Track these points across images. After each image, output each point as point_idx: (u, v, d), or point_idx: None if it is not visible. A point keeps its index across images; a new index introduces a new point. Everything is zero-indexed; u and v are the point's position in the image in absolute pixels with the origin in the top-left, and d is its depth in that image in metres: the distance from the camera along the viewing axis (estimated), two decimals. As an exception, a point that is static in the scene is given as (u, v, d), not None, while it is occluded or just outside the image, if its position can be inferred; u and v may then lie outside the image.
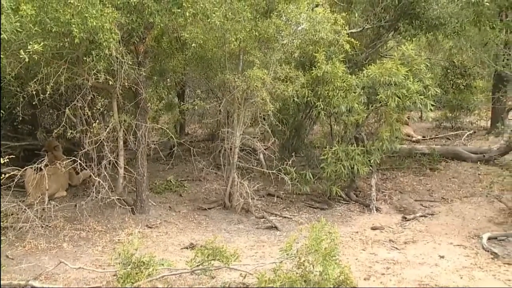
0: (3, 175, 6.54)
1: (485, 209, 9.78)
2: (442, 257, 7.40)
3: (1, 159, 6.24)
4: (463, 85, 18.11)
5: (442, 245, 7.95)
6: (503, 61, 13.16)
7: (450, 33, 12.31)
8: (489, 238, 7.98)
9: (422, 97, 9.70)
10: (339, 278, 6.00)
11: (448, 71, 18.13)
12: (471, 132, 17.70)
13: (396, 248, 7.94)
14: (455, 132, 17.92)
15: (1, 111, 6.96)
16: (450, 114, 19.15)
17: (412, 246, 7.98)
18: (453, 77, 18.03)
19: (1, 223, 7.48)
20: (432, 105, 10.16)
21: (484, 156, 13.31)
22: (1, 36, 5.94)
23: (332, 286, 5.84)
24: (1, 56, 5.96)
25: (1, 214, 7.71)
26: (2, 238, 7.19)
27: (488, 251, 7.55)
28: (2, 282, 5.96)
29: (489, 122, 17.83)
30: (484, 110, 18.98)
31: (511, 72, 13.01)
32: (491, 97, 16.89)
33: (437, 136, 17.62)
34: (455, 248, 7.81)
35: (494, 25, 13.32)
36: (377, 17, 11.94)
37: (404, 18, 11.84)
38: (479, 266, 7.00)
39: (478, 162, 13.14)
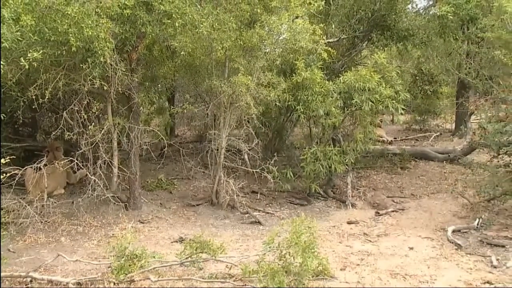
0: (5, 174, 6.46)
1: (450, 204, 9.86)
2: (412, 248, 7.44)
3: (3, 159, 6.16)
4: (430, 91, 18.24)
5: (412, 237, 7.99)
6: (466, 69, 13.38)
7: (418, 43, 12.46)
8: (453, 231, 8.04)
9: (393, 101, 9.79)
10: (317, 269, 6.07)
11: (417, 78, 18.27)
12: (437, 134, 17.90)
13: (370, 240, 7.97)
14: (423, 134, 18.08)
15: (3, 114, 6.88)
16: (419, 118, 19.30)
17: (384, 239, 8.02)
18: (421, 84, 18.16)
19: (3, 219, 7.42)
20: (403, 109, 10.26)
21: (449, 156, 13.44)
22: (3, 44, 5.90)
23: (311, 276, 5.88)
24: (3, 63, 5.90)
25: (3, 210, 7.67)
26: (4, 233, 7.11)
27: (452, 242, 7.62)
28: (3, 273, 5.94)
29: (453, 125, 17.99)
30: (449, 114, 19.13)
31: (472, 79, 13.19)
32: (455, 102, 17.04)
33: (407, 138, 17.74)
34: (423, 240, 7.85)
35: (457, 37, 13.50)
36: (352, 28, 12.00)
37: (377, 30, 11.94)
38: (444, 257, 7.06)
39: (444, 161, 13.30)
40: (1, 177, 6.27)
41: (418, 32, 11.86)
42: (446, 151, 13.88)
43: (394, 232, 8.34)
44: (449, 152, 13.67)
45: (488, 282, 6.06)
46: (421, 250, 7.36)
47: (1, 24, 5.90)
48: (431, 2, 13.04)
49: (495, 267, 6.57)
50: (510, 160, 8.78)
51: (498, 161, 9.08)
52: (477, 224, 8.28)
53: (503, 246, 7.31)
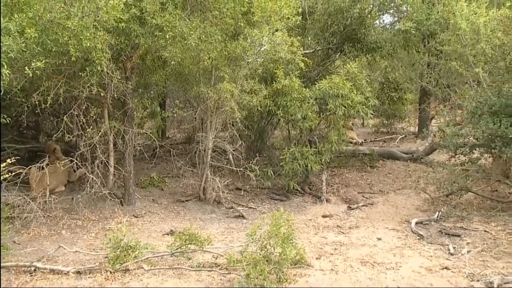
0: (10, 172, 6.40)
1: (414, 199, 9.95)
2: (380, 239, 7.48)
3: (8, 159, 6.14)
4: (396, 98, 18.34)
5: (380, 229, 8.03)
6: (427, 78, 13.50)
7: (385, 54, 12.60)
8: (416, 223, 8.11)
9: (363, 107, 9.84)
10: (295, 258, 6.07)
11: (384, 85, 18.36)
12: (402, 136, 18.04)
13: (343, 232, 7.99)
14: (390, 136, 18.22)
15: (8, 118, 6.85)
16: (386, 121, 19.50)
17: (355, 231, 8.04)
18: (388, 91, 18.26)
19: (9, 214, 7.40)
20: (372, 113, 10.32)
21: (413, 156, 13.53)
22: (9, 55, 5.87)
23: (290, 265, 5.88)
24: (9, 72, 5.85)
25: (9, 205, 7.66)
26: (9, 226, 7.08)
27: (415, 233, 7.69)
28: (9, 263, 5.99)
29: (416, 128, 18.15)
30: (412, 118, 19.32)
31: (432, 87, 13.34)
32: (418, 108, 17.21)
33: (375, 139, 17.86)
34: (390, 231, 7.90)
35: (419, 49, 13.69)
36: (326, 41, 12.07)
37: (348, 42, 12.01)
38: (408, 246, 7.11)
39: (408, 160, 13.37)
40: (7, 175, 6.24)
41: (385, 45, 11.99)
42: (410, 152, 13.97)
43: (364, 225, 8.38)
44: (413, 152, 13.77)
45: (445, 268, 6.14)
46: (388, 240, 7.41)
47: (8, 37, 5.89)
48: (396, 18, 13.16)
49: (452, 254, 6.67)
50: (466, 160, 8.89)
51: (455, 160, 9.20)
52: (437, 217, 8.37)
53: (459, 236, 7.43)
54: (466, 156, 8.82)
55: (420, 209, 9.20)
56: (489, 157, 8.96)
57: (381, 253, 6.79)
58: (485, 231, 7.54)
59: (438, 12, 11.47)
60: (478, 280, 5.70)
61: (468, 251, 6.70)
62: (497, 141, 8.05)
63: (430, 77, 13.28)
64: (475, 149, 8.69)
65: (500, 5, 10.21)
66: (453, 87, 12.00)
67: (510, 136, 7.91)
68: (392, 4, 12.05)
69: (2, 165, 5.96)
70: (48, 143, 10.10)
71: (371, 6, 11.72)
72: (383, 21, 13.53)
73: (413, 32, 11.67)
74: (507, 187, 8.95)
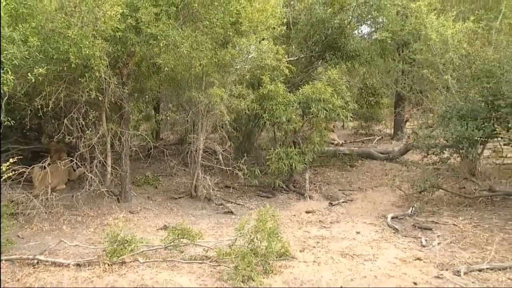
0: (14, 171, 6.38)
1: (390, 195, 10.00)
2: (358, 233, 7.52)
3: (11, 159, 6.11)
4: (373, 102, 18.46)
5: (358, 223, 8.08)
6: (401, 84, 13.63)
7: (363, 62, 12.65)
8: (392, 218, 8.15)
9: (343, 110, 9.90)
10: (280, 251, 6.08)
11: (362, 91, 18.47)
12: (379, 137, 18.04)
13: (324, 227, 8.01)
14: (368, 138, 18.21)
15: (13, 121, 6.84)
16: (364, 124, 19.50)
17: (336, 225, 8.07)
18: (366, 96, 18.36)
19: (13, 210, 7.35)
20: (351, 116, 10.40)
21: (389, 155, 13.57)
22: (13, 62, 5.86)
23: (275, 257, 5.90)
24: (13, 77, 5.85)
25: (13, 203, 7.63)
26: (13, 222, 7.06)
27: (391, 227, 7.73)
28: (14, 256, 5.97)
29: (392, 130, 18.22)
30: (388, 121, 19.48)
31: (407, 92, 13.47)
32: (394, 111, 17.36)
33: (355, 141, 17.85)
34: (368, 225, 7.94)
35: (394, 58, 13.83)
36: (309, 49, 12.13)
37: (329, 50, 12.07)
38: (384, 239, 7.17)
39: (385, 160, 13.38)
40: (11, 174, 6.20)
41: (363, 53, 12.05)
42: (387, 152, 14.00)
43: (344, 220, 8.41)
44: (389, 153, 13.81)
45: (418, 259, 6.20)
46: (366, 234, 7.45)
47: (12, 45, 5.88)
48: (373, 29, 13.27)
49: (424, 246, 6.73)
50: (437, 159, 8.99)
51: (428, 160, 9.28)
52: (411, 212, 8.41)
53: (430, 229, 7.49)
54: (437, 156, 8.91)
55: (396, 205, 9.26)
56: (458, 157, 9.03)
57: (360, 245, 6.83)
58: (453, 224, 7.63)
59: (411, 24, 11.57)
60: (447, 269, 5.78)
61: (439, 243, 6.77)
62: (464, 142, 8.18)
63: (404, 83, 13.41)
64: (445, 150, 8.79)
65: (465, 19, 10.38)
66: (425, 93, 12.12)
67: (476, 138, 8.06)
68: (369, 16, 12.15)
69: (5, 165, 5.91)
70: (54, 145, 10.03)
71: (350, 17, 11.81)
72: (361, 31, 13.70)
73: (389, 41, 11.80)
74: (473, 184, 9.02)
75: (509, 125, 7.96)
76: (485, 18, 10.86)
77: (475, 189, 8.86)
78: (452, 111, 8.64)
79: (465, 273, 5.60)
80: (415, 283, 5.39)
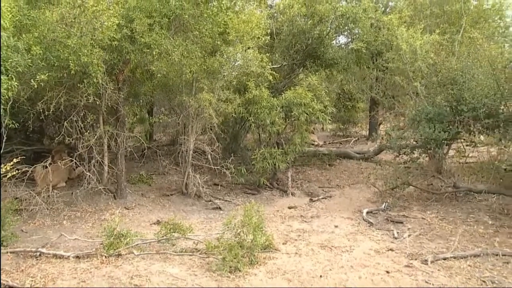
0: (18, 170, 6.39)
1: (365, 192, 10.12)
2: (336, 226, 7.62)
3: (15, 159, 6.15)
4: (350, 106, 18.58)
5: (336, 218, 8.17)
6: (375, 90, 13.78)
7: (341, 69, 12.77)
8: (367, 212, 8.27)
9: (323, 114, 10.00)
10: (265, 243, 6.16)
11: (340, 96, 18.54)
12: (356, 138, 18.23)
13: (305, 221, 8.09)
14: (345, 139, 18.37)
15: (17, 124, 6.85)
16: (342, 126, 19.66)
17: (316, 220, 8.15)
18: (343, 100, 18.46)
19: (17, 207, 7.33)
20: (330, 119, 10.50)
21: (364, 155, 13.71)
22: (17, 69, 5.87)
23: (260, 249, 5.97)
24: (17, 83, 5.85)
25: (17, 199, 7.64)
26: (17, 217, 7.07)
27: (366, 221, 7.86)
28: (18, 249, 6.02)
29: (367, 132, 18.40)
30: (364, 123, 19.63)
31: (380, 98, 13.63)
32: (368, 115, 17.51)
33: (333, 142, 17.99)
34: (345, 220, 8.04)
35: (369, 66, 13.94)
36: (291, 57, 12.19)
37: (310, 58, 12.15)
38: (360, 232, 7.29)
39: (361, 159, 13.52)
40: (15, 173, 6.22)
41: (341, 61, 12.15)
42: (362, 152, 14.14)
43: (324, 214, 8.49)
44: (364, 153, 13.95)
45: (390, 249, 6.35)
46: (343, 227, 7.55)
47: (16, 53, 5.88)
48: (349, 39, 13.41)
49: (396, 238, 6.87)
50: (407, 159, 9.12)
51: (399, 159, 9.40)
52: (384, 207, 8.55)
53: (401, 223, 7.62)
54: (408, 155, 9.04)
55: (370, 201, 9.37)
56: (426, 156, 9.18)
57: (338, 238, 6.93)
58: (422, 218, 7.76)
59: (383, 35, 11.76)
60: (416, 259, 5.93)
61: (409, 235, 6.91)
62: (432, 143, 8.32)
63: (378, 89, 13.58)
64: (415, 150, 8.92)
65: (432, 32, 10.61)
66: (397, 98, 12.30)
67: (442, 139, 8.21)
68: (346, 27, 12.25)
69: (9, 164, 5.94)
70: (57, 147, 10.00)
71: (329, 28, 11.91)
72: (339, 41, 13.71)
73: (364, 51, 11.92)
74: (439, 181, 9.20)
75: (471, 128, 8.12)
76: (449, 31, 11.17)
77: (441, 186, 9.02)
78: (421, 114, 8.75)
79: (431, 262, 5.77)
80: (387, 272, 5.53)
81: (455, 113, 8.36)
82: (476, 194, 8.52)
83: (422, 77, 9.81)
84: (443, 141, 8.34)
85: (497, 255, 5.94)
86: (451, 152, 9.68)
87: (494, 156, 8.46)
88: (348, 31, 12.62)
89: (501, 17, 13.12)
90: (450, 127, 8.33)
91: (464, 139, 8.94)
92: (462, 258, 5.90)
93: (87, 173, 8.30)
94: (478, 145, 8.84)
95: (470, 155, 9.63)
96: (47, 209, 7.82)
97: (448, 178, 8.90)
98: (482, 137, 8.36)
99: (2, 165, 5.96)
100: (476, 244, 6.39)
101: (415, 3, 12.37)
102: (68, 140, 8.12)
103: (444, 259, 5.88)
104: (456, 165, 9.69)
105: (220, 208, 8.96)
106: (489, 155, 8.84)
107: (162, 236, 6.43)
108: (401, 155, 9.18)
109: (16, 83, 5.81)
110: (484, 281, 5.24)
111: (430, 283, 5.20)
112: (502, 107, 8.00)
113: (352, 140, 17.79)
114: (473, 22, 12.00)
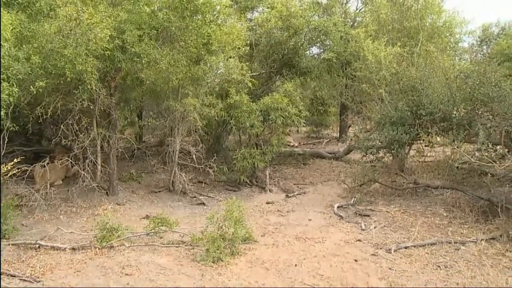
0: (19, 169, 6.50)
1: (336, 188, 10.24)
2: (310, 220, 7.73)
3: (15, 159, 6.15)
4: (322, 110, 18.74)
5: (310, 212, 8.27)
6: (345, 96, 13.99)
7: (314, 77, 12.99)
8: (338, 207, 8.40)
9: (297, 117, 10.10)
10: (245, 236, 6.25)
11: (313, 101, 18.68)
12: (327, 140, 18.36)
13: (282, 215, 8.17)
14: (318, 140, 18.48)
15: (17, 126, 6.86)
16: (315, 128, 19.78)
17: (292, 214, 8.24)
18: (316, 105, 18.59)
19: (17, 203, 7.31)
20: (304, 122, 10.63)
21: (335, 155, 13.81)
22: (18, 77, 5.89)
23: (240, 241, 6.06)
24: (17, 90, 5.85)
25: (18, 196, 7.60)
26: (18, 212, 7.05)
27: (337, 215, 7.99)
28: (19, 242, 6.03)
29: (338, 134, 18.60)
30: (335, 126, 19.84)
31: (349, 103, 13.85)
32: (339, 118, 17.76)
33: (307, 143, 18.06)
34: (318, 214, 8.16)
35: (339, 74, 14.18)
36: (269, 66, 12.33)
37: (286, 67, 12.32)
38: (331, 224, 7.43)
39: (332, 159, 13.59)
40: (16, 172, 6.21)
41: (314, 70, 12.35)
42: (333, 152, 14.23)
43: (299, 209, 8.59)
44: (335, 153, 14.05)
45: (359, 240, 6.55)
46: (316, 220, 7.67)
47: (17, 62, 5.87)
48: (321, 50, 13.63)
49: (363, 230, 7.05)
50: (374, 158, 9.31)
51: (366, 159, 9.56)
52: (353, 202, 8.69)
53: (368, 216, 7.80)
54: (374, 155, 9.22)
55: (341, 196, 9.49)
56: (390, 156, 9.37)
57: (311, 230, 7.05)
58: (386, 211, 7.96)
59: (352, 46, 11.99)
60: (381, 248, 6.15)
61: (375, 227, 7.11)
62: (395, 144, 8.55)
63: (347, 95, 13.75)
64: (380, 150, 9.11)
65: (394, 44, 10.92)
66: (364, 103, 12.49)
67: (404, 141, 8.45)
68: (318, 39, 12.48)
69: (10, 164, 5.93)
70: (59, 149, 9.91)
71: (303, 40, 12.12)
72: (312, 51, 13.93)
73: (334, 60, 12.17)
74: (402, 178, 9.39)
75: (429, 130, 8.36)
76: (408, 44, 11.52)
77: (403, 182, 9.22)
78: (385, 118, 8.95)
79: (394, 251, 5.99)
80: (356, 260, 5.73)
81: (415, 117, 8.56)
82: (433, 189, 8.78)
83: (386, 84, 10.05)
84: (405, 142, 8.57)
85: (450, 243, 6.21)
86: (412, 152, 9.91)
87: (448, 156, 8.72)
88: (320, 42, 12.87)
89: (451, 34, 13.59)
90: (411, 129, 8.54)
91: (423, 140, 9.13)
92: (420, 246, 6.15)
93: (82, 172, 8.26)
94: (435, 145, 9.07)
95: (428, 155, 9.88)
96: (45, 205, 7.77)
97: (409, 175, 9.13)
98: (438, 138, 8.59)
99: (4, 165, 5.96)
100: (432, 234, 6.66)
101: (379, 19, 12.68)
102: (65, 141, 8.12)
103: (406, 247, 6.11)
104: (416, 163, 9.92)
105: (204, 204, 8.96)
106: (444, 154, 9.10)
107: (151, 230, 6.45)
108: (368, 155, 9.33)
109: (16, 89, 5.83)
110: (438, 266, 5.49)
111: (393, 269, 5.41)
112: (454, 112, 8.29)
113: (324, 141, 17.90)
114: (429, 37, 12.42)
